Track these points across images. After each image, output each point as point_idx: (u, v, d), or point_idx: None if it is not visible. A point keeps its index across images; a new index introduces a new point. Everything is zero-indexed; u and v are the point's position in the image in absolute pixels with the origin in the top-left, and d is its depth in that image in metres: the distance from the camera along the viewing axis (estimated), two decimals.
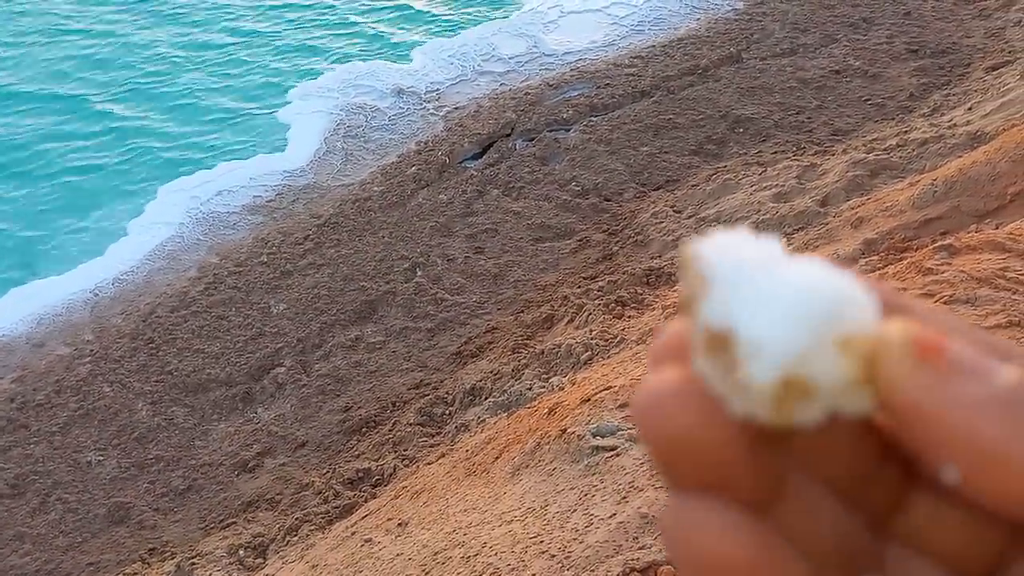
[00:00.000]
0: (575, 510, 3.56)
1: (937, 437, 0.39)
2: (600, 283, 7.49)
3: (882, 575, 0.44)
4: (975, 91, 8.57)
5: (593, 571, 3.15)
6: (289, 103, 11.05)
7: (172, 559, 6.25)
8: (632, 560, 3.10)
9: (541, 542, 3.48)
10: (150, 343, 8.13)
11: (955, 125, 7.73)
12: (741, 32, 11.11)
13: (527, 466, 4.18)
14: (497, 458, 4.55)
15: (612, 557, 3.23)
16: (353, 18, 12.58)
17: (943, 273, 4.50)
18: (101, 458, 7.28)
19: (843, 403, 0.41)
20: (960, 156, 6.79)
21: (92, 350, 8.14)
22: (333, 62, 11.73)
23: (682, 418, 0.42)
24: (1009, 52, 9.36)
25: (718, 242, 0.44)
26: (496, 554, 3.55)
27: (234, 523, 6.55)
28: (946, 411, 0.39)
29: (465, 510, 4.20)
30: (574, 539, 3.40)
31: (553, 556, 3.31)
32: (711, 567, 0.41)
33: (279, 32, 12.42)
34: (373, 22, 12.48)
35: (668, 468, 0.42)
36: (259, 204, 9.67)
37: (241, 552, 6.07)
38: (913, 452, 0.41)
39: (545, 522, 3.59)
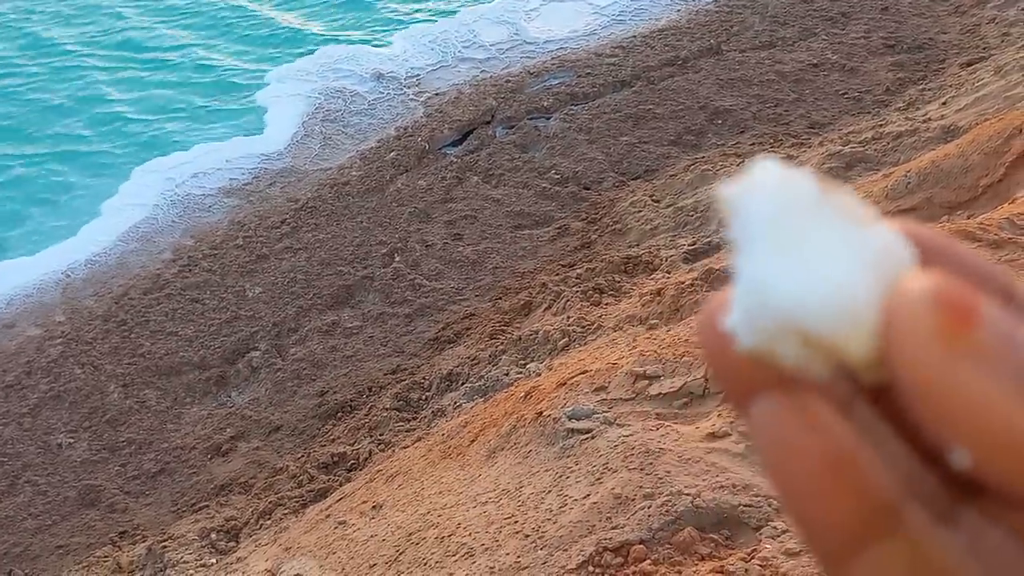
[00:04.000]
0: (550, 491, 3.58)
1: (949, 418, 0.37)
2: (578, 271, 7.51)
3: (956, 528, 0.42)
4: (950, 86, 8.65)
5: (566, 550, 3.16)
6: (267, 85, 10.96)
7: (143, 542, 6.22)
8: (605, 540, 3.12)
9: (515, 522, 3.49)
10: (122, 325, 8.05)
11: (929, 119, 7.80)
12: (721, 24, 11.15)
13: (502, 449, 4.19)
14: (473, 441, 4.56)
15: (585, 537, 3.24)
16: (333, 0, 12.49)
17: None
18: (72, 440, 7.21)
19: (863, 373, 0.41)
20: (934, 149, 6.85)
21: (63, 331, 8.06)
22: (312, 45, 11.64)
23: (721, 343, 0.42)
24: (984, 48, 9.45)
25: (750, 184, 0.43)
26: (470, 534, 3.56)
27: (206, 507, 6.52)
28: (963, 392, 0.36)
29: (440, 492, 4.20)
30: (548, 519, 3.42)
31: (527, 536, 3.33)
32: (799, 458, 0.39)
33: (259, 13, 12.31)
34: (353, 5, 12.40)
35: (728, 385, 0.42)
36: (235, 187, 9.60)
37: (213, 535, 6.04)
38: (923, 428, 0.39)
39: (519, 503, 3.60)
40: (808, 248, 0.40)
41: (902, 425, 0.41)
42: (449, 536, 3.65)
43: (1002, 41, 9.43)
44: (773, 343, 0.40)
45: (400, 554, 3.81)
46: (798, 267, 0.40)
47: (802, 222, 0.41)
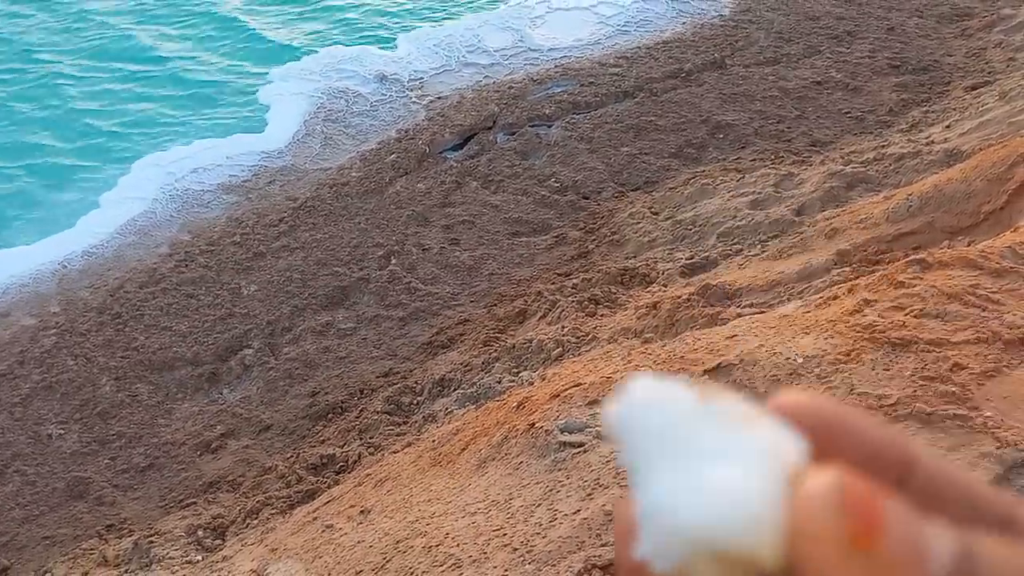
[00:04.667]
0: (540, 504, 3.56)
1: None
2: (574, 280, 7.50)
3: None
4: (954, 109, 8.66)
5: (555, 566, 3.15)
6: (270, 83, 10.95)
7: (130, 536, 6.19)
8: (594, 557, 3.11)
9: (504, 535, 3.48)
10: (117, 318, 8.03)
11: (932, 142, 7.81)
12: (726, 39, 11.16)
13: (493, 459, 4.18)
14: (463, 450, 4.54)
15: (574, 553, 3.23)
16: (339, 1, 12.49)
17: (915, 287, 4.53)
18: (62, 432, 7.18)
19: None
20: (936, 173, 6.86)
21: (58, 322, 8.04)
22: (317, 45, 11.63)
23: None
24: (989, 72, 9.46)
25: (630, 403, 0.44)
26: (458, 545, 3.54)
27: (194, 503, 6.50)
28: None
29: (429, 500, 4.19)
30: (537, 533, 3.40)
31: (515, 549, 3.31)
32: None
33: (263, 11, 12.30)
34: (359, 6, 12.40)
35: None
36: (234, 183, 9.58)
37: (200, 532, 6.02)
38: None
39: (509, 515, 3.59)
40: (699, 463, 0.41)
41: None
42: (437, 546, 3.64)
43: (1008, 66, 9.45)
44: (687, 566, 0.41)
45: (387, 562, 3.79)
46: (693, 485, 0.41)
47: (687, 435, 0.42)
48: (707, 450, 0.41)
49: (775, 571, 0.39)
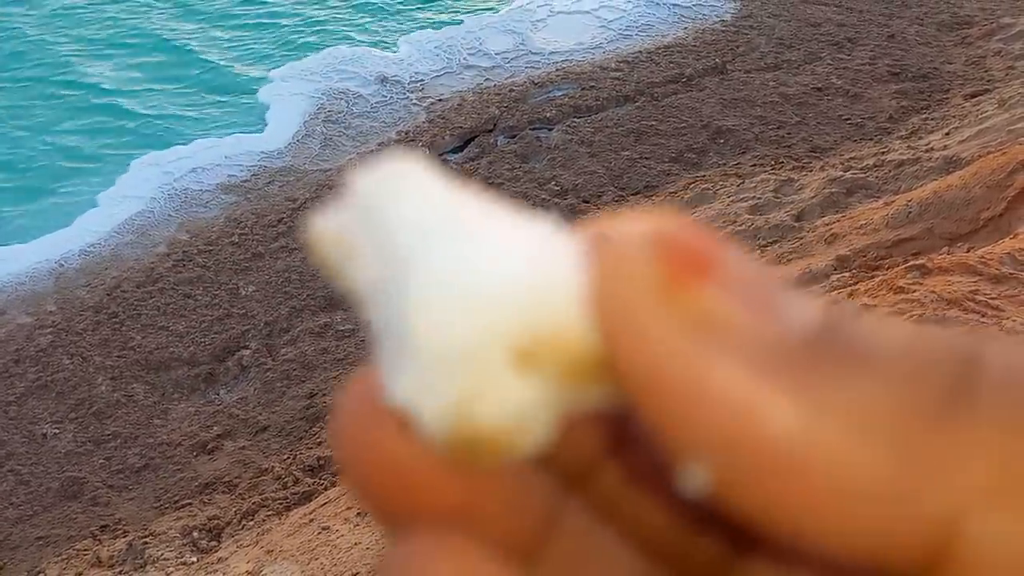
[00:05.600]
0: None
1: (681, 421, 0.24)
2: None
3: None
4: (953, 116, 8.68)
5: None
6: (270, 83, 10.93)
7: (124, 537, 6.17)
8: None
9: None
10: (114, 317, 8.01)
11: (932, 149, 7.82)
12: (727, 44, 11.16)
13: None
14: None
15: None
16: (340, 2, 12.49)
17: (914, 293, 4.53)
18: (57, 431, 7.16)
19: (565, 407, 0.27)
20: (936, 179, 6.87)
21: (54, 321, 8.01)
22: (317, 45, 11.62)
23: (377, 435, 0.28)
24: (988, 80, 9.48)
25: (387, 178, 0.31)
26: None
27: (190, 504, 6.47)
28: (700, 381, 0.24)
29: None
30: None
31: None
32: None
33: (264, 11, 12.29)
34: (360, 7, 12.40)
35: (379, 502, 0.29)
36: (233, 183, 9.55)
37: (195, 534, 6.00)
38: (652, 448, 0.26)
39: None
40: (467, 248, 0.27)
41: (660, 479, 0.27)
42: None
43: (1007, 74, 9.46)
44: (470, 391, 0.26)
45: None
46: (466, 267, 0.27)
47: (451, 227, 0.28)
48: (486, 236, 0.28)
49: (587, 364, 0.26)
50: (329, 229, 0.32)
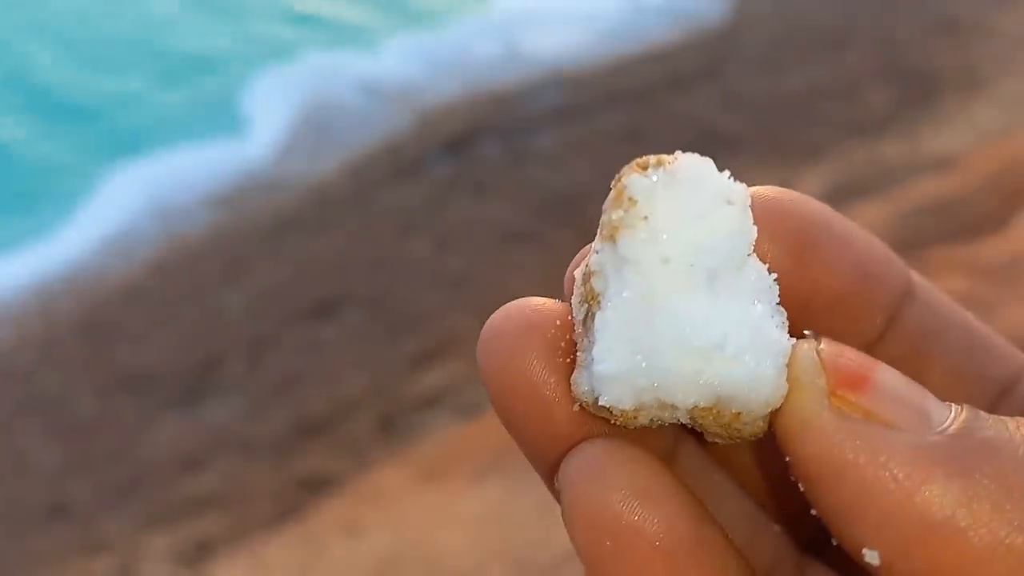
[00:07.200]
0: (538, 517, 3.52)
1: (852, 503, 0.30)
2: None
3: None
4: (947, 116, 8.73)
5: None
6: (254, 91, 10.89)
7: (113, 556, 6.13)
8: None
9: (501, 548, 3.44)
10: (98, 333, 7.95)
11: (926, 149, 7.86)
12: (720, 46, 11.20)
13: (490, 471, 4.15)
14: (459, 462, 4.52)
15: (574, 565, 3.14)
16: (325, 7, 12.49)
17: None
18: (43, 450, 7.10)
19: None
20: (930, 179, 6.92)
21: (37, 338, 7.95)
22: (302, 51, 11.60)
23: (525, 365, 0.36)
24: (983, 80, 9.57)
25: (671, 179, 0.37)
26: (454, 559, 3.50)
27: (180, 521, 6.44)
28: (867, 468, 0.30)
29: (422, 514, 4.16)
30: (536, 546, 3.36)
31: (515, 561, 3.27)
32: (615, 535, 0.33)
33: (247, 17, 12.28)
34: (346, 12, 12.40)
35: (523, 430, 0.36)
36: (217, 195, 9.49)
37: (186, 551, 5.98)
38: (822, 515, 0.32)
39: (507, 528, 3.55)
40: (714, 285, 0.35)
41: (736, 465, 0.36)
42: (431, 560, 3.60)
43: (1000, 73, 9.55)
44: (654, 406, 0.34)
45: None
46: (705, 313, 0.34)
47: (719, 246, 0.36)
48: (729, 274, 0.35)
49: (753, 428, 0.34)
50: (647, 189, 0.35)
